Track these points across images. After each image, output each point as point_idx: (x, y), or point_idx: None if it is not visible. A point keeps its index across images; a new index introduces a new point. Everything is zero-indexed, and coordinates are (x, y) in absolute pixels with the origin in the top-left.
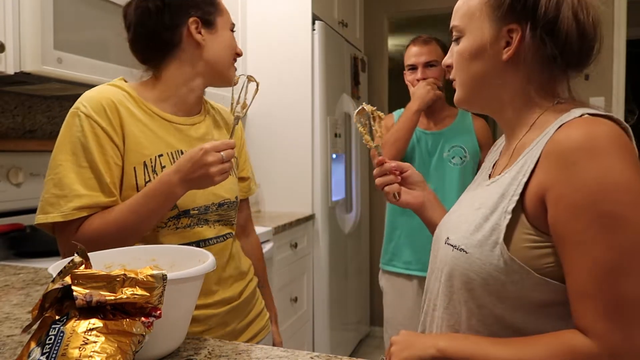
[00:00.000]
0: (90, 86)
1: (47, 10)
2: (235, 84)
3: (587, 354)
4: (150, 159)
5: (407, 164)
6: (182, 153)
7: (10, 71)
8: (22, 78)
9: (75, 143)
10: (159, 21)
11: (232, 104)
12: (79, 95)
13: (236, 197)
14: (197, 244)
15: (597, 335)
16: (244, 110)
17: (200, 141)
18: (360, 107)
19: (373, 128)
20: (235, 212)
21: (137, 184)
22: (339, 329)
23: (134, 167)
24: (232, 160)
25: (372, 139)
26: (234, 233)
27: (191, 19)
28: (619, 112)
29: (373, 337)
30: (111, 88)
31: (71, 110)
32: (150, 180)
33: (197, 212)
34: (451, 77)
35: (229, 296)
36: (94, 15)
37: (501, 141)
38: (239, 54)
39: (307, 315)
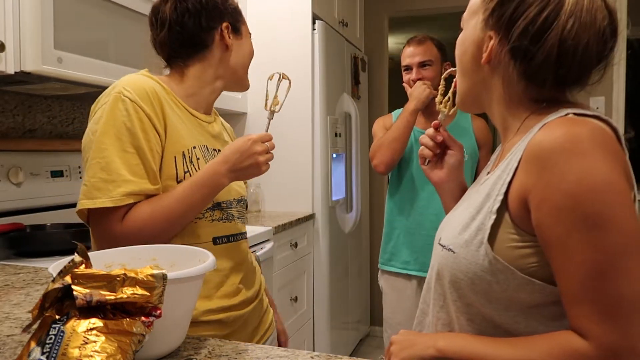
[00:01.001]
0: (90, 86)
1: (48, 9)
2: (270, 80)
3: (585, 355)
4: (188, 149)
5: (457, 145)
6: (206, 148)
7: (11, 71)
8: (22, 77)
9: (121, 127)
10: (197, 22)
11: (266, 99)
12: (79, 95)
13: (244, 196)
14: (233, 237)
15: (593, 336)
16: (278, 107)
17: (217, 139)
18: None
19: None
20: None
21: (177, 173)
22: (339, 328)
23: (174, 157)
24: None
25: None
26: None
27: (224, 24)
28: (619, 111)
29: (373, 337)
30: (146, 78)
31: (113, 94)
32: (188, 171)
33: (225, 205)
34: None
35: (250, 296)
36: (95, 15)
37: None
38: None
39: (307, 315)
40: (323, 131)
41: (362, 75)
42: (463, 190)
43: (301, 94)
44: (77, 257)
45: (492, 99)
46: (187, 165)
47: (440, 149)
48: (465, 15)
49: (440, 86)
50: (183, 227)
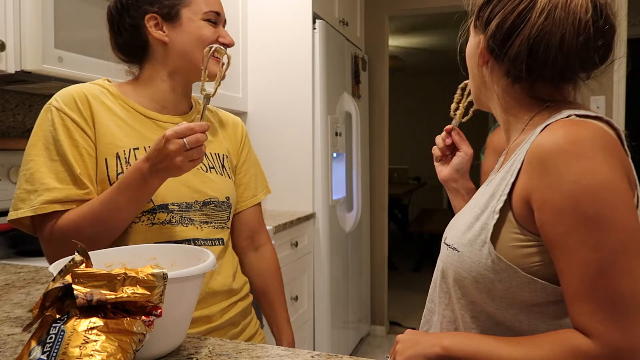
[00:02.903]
0: None
1: (48, 9)
2: (205, 56)
3: (589, 353)
4: (124, 150)
5: (466, 147)
6: None
7: (11, 70)
8: (23, 77)
9: (47, 137)
10: (123, 24)
11: (202, 81)
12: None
13: (227, 198)
14: (186, 243)
15: (596, 335)
16: (214, 89)
17: None
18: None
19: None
20: (229, 215)
21: (108, 176)
22: (339, 327)
23: (105, 159)
24: (213, 153)
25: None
26: (225, 240)
27: (147, 17)
28: (619, 111)
29: (374, 336)
30: (88, 84)
31: (45, 105)
32: (122, 172)
33: (177, 207)
34: None
35: (206, 315)
36: (95, 14)
37: None
38: (222, 43)
39: (307, 314)
40: (323, 130)
41: (362, 74)
42: (469, 192)
43: (301, 93)
44: (77, 257)
45: (493, 100)
46: (121, 167)
47: (450, 151)
48: (470, 22)
49: (456, 94)
50: (119, 231)
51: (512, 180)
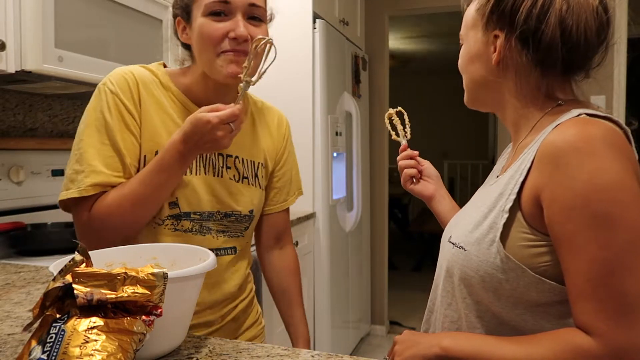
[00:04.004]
0: (91, 85)
1: (48, 8)
2: (254, 47)
3: (591, 352)
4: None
5: (425, 160)
6: None
7: (11, 70)
8: (23, 76)
9: (100, 119)
10: (174, 22)
11: (245, 68)
12: (80, 94)
13: (250, 211)
14: None
15: (598, 333)
16: (255, 76)
17: None
18: (392, 110)
19: (401, 127)
20: (248, 225)
21: None
22: (339, 327)
23: (145, 155)
24: (249, 160)
25: (399, 135)
26: (239, 249)
27: (177, 20)
28: (619, 110)
29: (374, 336)
30: (142, 69)
31: (98, 85)
32: None
33: (198, 217)
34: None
35: (209, 320)
36: (95, 14)
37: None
38: (232, 37)
39: (307, 314)
40: (324, 130)
41: (362, 74)
42: (445, 190)
43: (302, 93)
44: (77, 256)
45: (506, 99)
46: None
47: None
48: (462, 31)
49: (388, 124)
50: (155, 211)
51: (521, 179)
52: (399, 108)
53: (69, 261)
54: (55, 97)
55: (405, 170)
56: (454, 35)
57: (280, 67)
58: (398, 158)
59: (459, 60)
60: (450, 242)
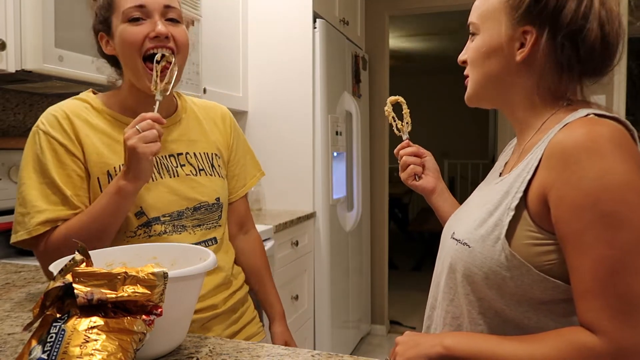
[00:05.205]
0: (91, 84)
1: (49, 8)
2: (156, 61)
3: (594, 350)
4: (115, 167)
5: (426, 151)
6: (159, 158)
7: (12, 69)
8: (23, 76)
9: (36, 160)
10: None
11: (154, 82)
12: (80, 93)
13: (217, 199)
14: None
15: (603, 331)
16: (163, 92)
17: (179, 141)
18: (392, 98)
19: (404, 120)
20: (220, 214)
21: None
22: (340, 327)
23: (97, 178)
24: (202, 153)
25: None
26: (219, 238)
27: (100, 35)
28: (620, 110)
29: (374, 335)
30: (72, 101)
31: (32, 128)
32: None
33: (169, 218)
34: (465, 73)
35: (211, 304)
36: None
37: (514, 142)
38: (153, 36)
39: (308, 314)
40: (324, 130)
41: (363, 73)
42: (444, 184)
43: (302, 93)
44: (78, 256)
45: (516, 97)
46: None
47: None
48: (475, 19)
49: (389, 115)
50: (107, 240)
51: (528, 177)
52: (399, 98)
53: (69, 261)
54: (55, 96)
55: (411, 167)
56: (454, 33)
57: (281, 67)
58: (402, 152)
59: (471, 53)
60: (453, 238)
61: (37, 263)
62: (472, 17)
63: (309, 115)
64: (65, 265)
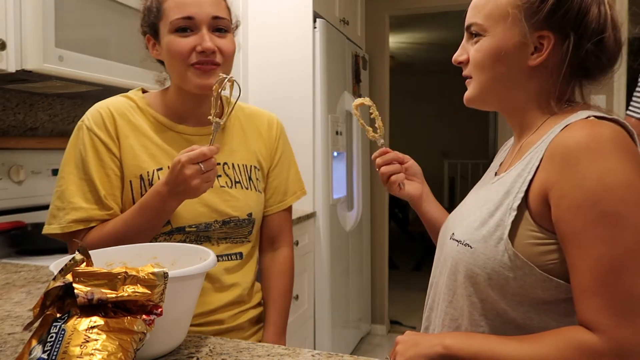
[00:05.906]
0: (91, 84)
1: (49, 8)
2: (216, 87)
3: (594, 348)
4: (148, 172)
5: (406, 156)
6: None
7: (12, 69)
8: (24, 76)
9: (77, 156)
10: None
11: (211, 109)
12: (80, 93)
13: (249, 215)
14: None
15: (602, 330)
16: (223, 120)
17: (221, 151)
18: (358, 100)
19: (375, 124)
20: (251, 230)
21: (133, 197)
22: (340, 326)
23: (130, 181)
24: (240, 164)
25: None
26: (245, 254)
27: (147, 37)
28: (619, 110)
29: (374, 335)
30: (119, 98)
31: (78, 122)
32: None
33: (195, 229)
34: (465, 74)
35: (217, 319)
36: (96, 13)
37: (510, 142)
38: (200, 51)
39: (308, 313)
40: (324, 129)
41: (363, 73)
42: (428, 188)
43: (302, 93)
44: (78, 256)
45: (520, 100)
46: (145, 189)
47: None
48: (482, 21)
49: (359, 120)
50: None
51: (529, 177)
52: (365, 99)
53: (70, 260)
54: (55, 96)
55: (392, 177)
56: (453, 32)
57: (281, 67)
58: (378, 161)
59: (477, 55)
60: (453, 239)
61: (37, 263)
62: (476, 18)
63: (309, 115)
64: (66, 264)
